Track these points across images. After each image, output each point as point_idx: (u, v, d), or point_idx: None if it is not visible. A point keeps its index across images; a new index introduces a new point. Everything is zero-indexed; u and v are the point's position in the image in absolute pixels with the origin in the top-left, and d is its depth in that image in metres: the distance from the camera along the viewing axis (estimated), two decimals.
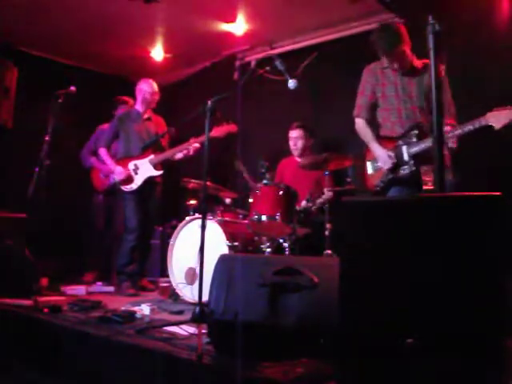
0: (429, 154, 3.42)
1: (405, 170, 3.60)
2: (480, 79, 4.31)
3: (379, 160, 3.76)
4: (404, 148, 3.61)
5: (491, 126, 3.13)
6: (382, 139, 3.82)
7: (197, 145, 5.04)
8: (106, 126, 6.00)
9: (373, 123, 3.94)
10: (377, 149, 3.77)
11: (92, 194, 6.15)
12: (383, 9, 5.16)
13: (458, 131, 3.28)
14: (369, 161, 3.90)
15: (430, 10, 2.16)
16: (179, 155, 5.20)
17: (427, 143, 3.43)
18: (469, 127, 3.24)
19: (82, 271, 6.01)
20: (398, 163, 3.63)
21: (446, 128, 3.56)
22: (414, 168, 3.55)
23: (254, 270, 2.56)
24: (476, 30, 4.25)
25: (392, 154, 3.66)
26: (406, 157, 3.60)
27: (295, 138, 5.35)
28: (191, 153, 5.12)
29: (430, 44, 2.15)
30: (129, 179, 5.18)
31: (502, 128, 3.10)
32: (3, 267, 4.40)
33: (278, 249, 4.39)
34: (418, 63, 3.75)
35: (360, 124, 3.95)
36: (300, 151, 5.34)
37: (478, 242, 1.70)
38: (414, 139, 3.57)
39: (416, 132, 3.57)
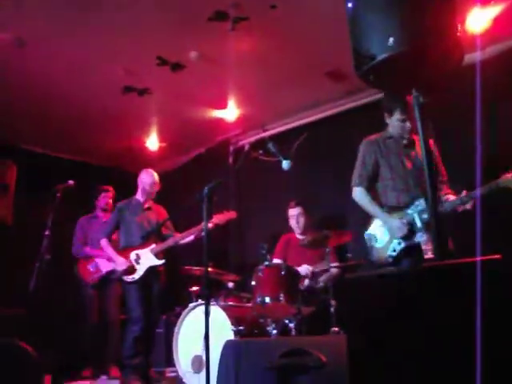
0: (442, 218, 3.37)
1: (422, 237, 3.47)
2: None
3: (392, 229, 3.61)
4: (415, 215, 3.54)
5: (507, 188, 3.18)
6: (387, 209, 3.72)
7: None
8: (83, 217, 6.25)
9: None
10: (387, 219, 3.66)
11: (80, 287, 6.00)
12: (367, 86, 5.34)
13: (476, 194, 3.27)
14: (374, 233, 3.74)
15: (412, 85, 2.22)
16: (187, 239, 5.18)
17: (440, 208, 3.37)
18: (485, 190, 3.23)
19: (81, 366, 5.81)
20: (413, 230, 3.53)
21: (448, 196, 3.58)
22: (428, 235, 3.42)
23: (261, 353, 2.52)
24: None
25: (405, 221, 3.56)
26: (419, 223, 3.51)
27: (296, 215, 5.36)
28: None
29: (416, 115, 2.21)
30: (131, 269, 5.16)
31: None
32: (6, 366, 4.28)
33: (284, 330, 4.30)
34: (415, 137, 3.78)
35: (361, 192, 3.82)
36: (302, 229, 5.34)
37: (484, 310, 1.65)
38: (425, 206, 3.48)
39: (425, 199, 3.46)
